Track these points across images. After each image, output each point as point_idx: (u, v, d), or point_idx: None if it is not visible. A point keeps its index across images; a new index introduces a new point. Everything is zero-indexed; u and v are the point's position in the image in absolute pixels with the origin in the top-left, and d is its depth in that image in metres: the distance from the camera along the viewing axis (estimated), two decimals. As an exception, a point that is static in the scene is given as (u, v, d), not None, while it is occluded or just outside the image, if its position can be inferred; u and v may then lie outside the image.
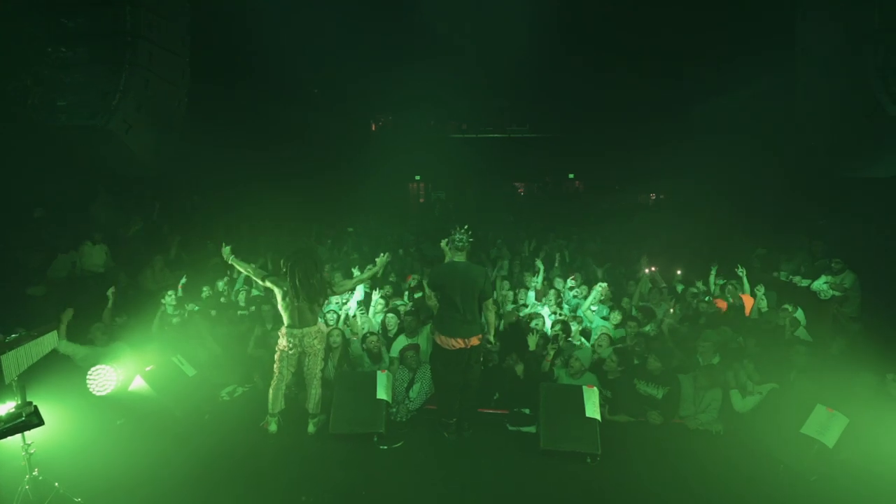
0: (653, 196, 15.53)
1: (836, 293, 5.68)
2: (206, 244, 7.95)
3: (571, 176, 17.41)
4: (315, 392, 4.30)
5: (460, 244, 4.06)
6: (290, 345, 4.19)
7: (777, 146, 7.21)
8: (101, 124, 4.91)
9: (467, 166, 16.31)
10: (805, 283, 6.06)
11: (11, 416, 2.61)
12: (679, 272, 7.23)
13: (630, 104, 11.63)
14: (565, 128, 15.30)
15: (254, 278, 4.40)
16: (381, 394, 4.31)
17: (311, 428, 4.31)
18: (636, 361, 4.85)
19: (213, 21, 7.23)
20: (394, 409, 4.56)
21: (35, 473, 3.08)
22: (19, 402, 2.72)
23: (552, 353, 4.75)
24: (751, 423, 4.25)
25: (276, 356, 4.25)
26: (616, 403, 4.61)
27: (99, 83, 5.28)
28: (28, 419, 2.65)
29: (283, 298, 4.15)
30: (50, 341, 3.22)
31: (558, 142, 15.73)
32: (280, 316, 4.30)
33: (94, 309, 6.02)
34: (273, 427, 4.26)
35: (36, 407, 2.75)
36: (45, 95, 5.26)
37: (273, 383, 4.25)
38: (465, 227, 4.14)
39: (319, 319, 4.45)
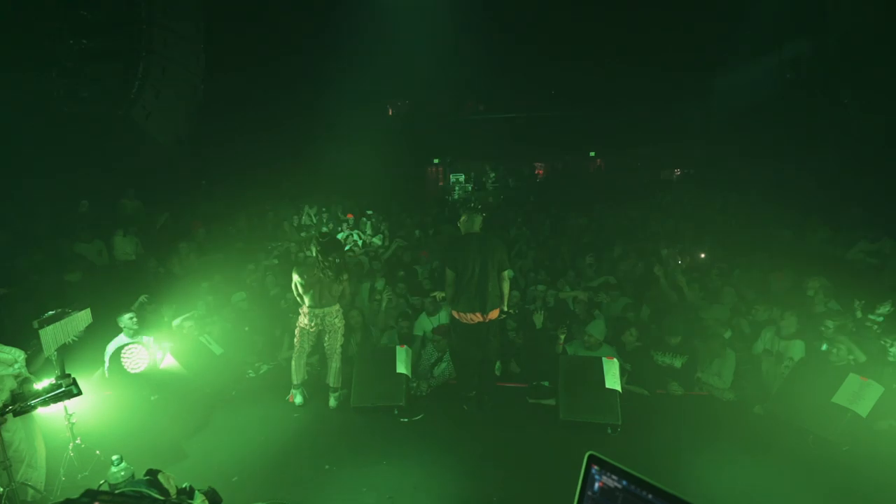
0: (677, 171, 15.09)
1: (873, 261, 5.43)
2: (228, 229, 8.16)
3: (593, 154, 17.05)
4: (335, 366, 4.42)
5: (473, 207, 4.07)
6: (312, 324, 4.32)
7: (804, 105, 6.85)
8: (123, 112, 5.03)
9: (486, 148, 16.17)
10: (839, 252, 5.80)
11: (53, 387, 2.75)
12: (703, 255, 7.02)
13: (648, 74, 11.23)
14: (584, 105, 14.93)
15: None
16: (401, 368, 4.38)
17: (332, 402, 4.43)
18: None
19: (228, 7, 7.31)
20: (414, 384, 4.64)
21: (78, 442, 3.27)
22: (58, 373, 2.88)
23: (563, 336, 4.71)
24: (778, 393, 4.15)
25: (296, 332, 4.38)
26: (636, 375, 4.57)
27: (119, 72, 5.41)
28: (68, 389, 2.79)
29: (305, 282, 4.26)
30: (84, 319, 3.38)
31: (578, 120, 15.39)
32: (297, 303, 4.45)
33: (126, 294, 6.30)
34: (298, 399, 4.41)
35: (74, 378, 2.89)
36: (69, 87, 5.42)
37: (294, 356, 4.39)
38: (473, 198, 4.15)
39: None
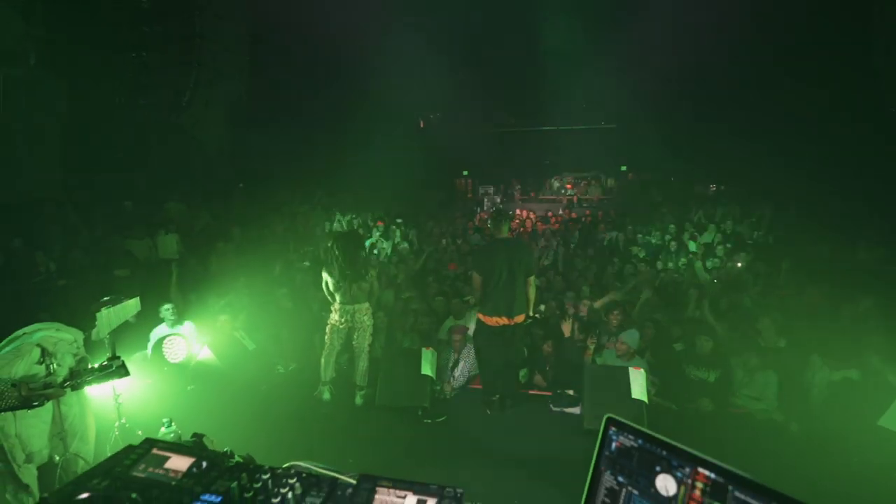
0: (713, 187, 14.70)
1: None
2: (264, 231, 8.50)
3: (624, 168, 16.85)
4: (362, 365, 4.52)
5: (501, 213, 4.15)
6: (343, 320, 4.44)
7: (855, 107, 6.57)
8: (175, 119, 5.39)
9: (516, 161, 16.25)
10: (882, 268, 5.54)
11: (103, 367, 2.96)
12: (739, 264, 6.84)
13: (684, 87, 11.06)
14: (616, 118, 14.87)
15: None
16: (426, 369, 4.45)
17: (358, 400, 4.53)
18: (679, 347, 4.69)
19: (270, 23, 7.74)
20: (438, 387, 4.69)
21: (123, 421, 3.48)
22: (110, 354, 3.09)
23: (592, 347, 4.66)
24: (818, 413, 3.98)
25: (327, 329, 4.52)
26: (665, 389, 4.48)
27: (172, 83, 5.80)
28: (117, 370, 2.99)
29: (334, 281, 4.42)
30: (133, 306, 3.62)
31: (609, 133, 15.31)
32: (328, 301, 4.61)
33: (168, 290, 6.66)
34: (326, 395, 4.53)
35: (123, 361, 3.10)
36: (129, 96, 5.85)
37: (324, 352, 4.52)
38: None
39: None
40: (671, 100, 12.11)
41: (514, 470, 3.60)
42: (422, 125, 17.52)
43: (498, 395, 4.31)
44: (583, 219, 11.40)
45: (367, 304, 4.52)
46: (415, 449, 3.89)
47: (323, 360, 4.55)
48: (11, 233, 6.16)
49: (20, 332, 2.77)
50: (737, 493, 0.71)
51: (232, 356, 5.14)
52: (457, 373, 4.80)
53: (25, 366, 2.62)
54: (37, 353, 2.67)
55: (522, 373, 4.80)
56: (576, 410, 4.27)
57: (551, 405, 4.45)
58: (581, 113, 15.92)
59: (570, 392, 4.42)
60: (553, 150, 16.04)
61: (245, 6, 7.27)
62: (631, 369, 4.07)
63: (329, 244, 4.50)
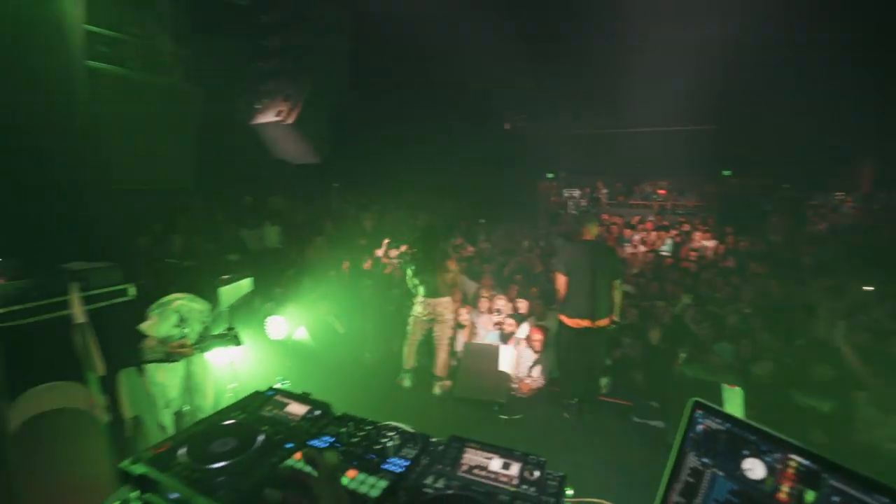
0: (838, 195, 12.92)
1: None
2: (355, 228, 9.11)
3: (727, 173, 15.40)
4: (442, 357, 4.69)
5: (590, 218, 4.08)
6: (425, 312, 4.66)
7: None
8: (283, 120, 6.00)
9: (603, 163, 15.64)
10: None
11: (222, 335, 3.44)
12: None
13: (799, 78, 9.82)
14: (718, 118, 13.66)
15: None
16: (505, 366, 4.50)
17: (436, 390, 4.71)
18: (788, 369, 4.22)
19: (368, 35, 8.30)
20: (516, 385, 4.72)
21: (235, 385, 3.98)
22: (228, 325, 3.57)
23: (683, 357, 4.39)
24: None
25: (410, 320, 4.76)
26: (764, 412, 4.07)
27: (283, 88, 6.48)
28: (232, 338, 3.46)
29: (415, 275, 4.67)
30: (247, 285, 4.13)
31: (709, 135, 14.12)
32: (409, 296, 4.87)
33: (272, 273, 7.40)
34: (407, 382, 4.77)
35: (237, 331, 3.57)
36: (248, 100, 6.63)
37: (407, 342, 4.77)
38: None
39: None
40: (783, 95, 10.86)
41: (590, 476, 3.51)
42: (507, 127, 17.48)
43: (577, 400, 4.24)
44: (676, 226, 10.68)
45: (447, 299, 4.68)
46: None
47: (406, 350, 4.80)
48: (154, 218, 7.26)
49: (164, 299, 3.30)
50: (832, 482, 0.69)
51: (324, 338, 5.61)
52: (535, 373, 4.79)
53: (167, 328, 3.12)
54: (175, 318, 3.18)
55: (604, 381, 4.66)
56: (659, 423, 4.06)
57: (633, 416, 4.27)
58: (677, 113, 14.84)
59: (654, 404, 4.21)
60: (645, 152, 15.14)
61: (348, 22, 7.87)
62: (725, 386, 3.77)
63: (412, 240, 4.76)
